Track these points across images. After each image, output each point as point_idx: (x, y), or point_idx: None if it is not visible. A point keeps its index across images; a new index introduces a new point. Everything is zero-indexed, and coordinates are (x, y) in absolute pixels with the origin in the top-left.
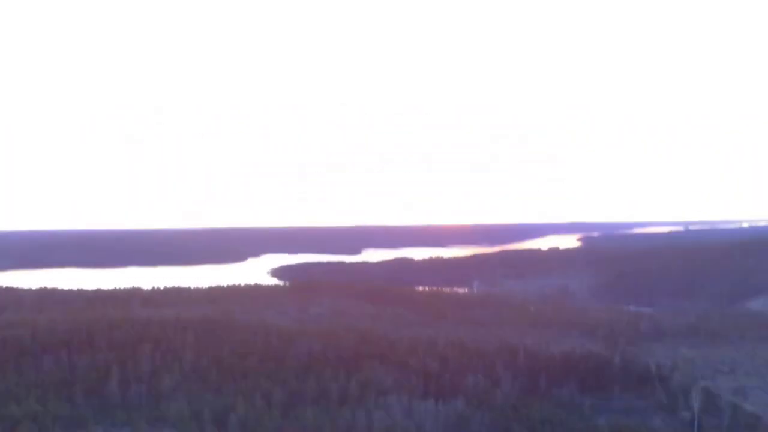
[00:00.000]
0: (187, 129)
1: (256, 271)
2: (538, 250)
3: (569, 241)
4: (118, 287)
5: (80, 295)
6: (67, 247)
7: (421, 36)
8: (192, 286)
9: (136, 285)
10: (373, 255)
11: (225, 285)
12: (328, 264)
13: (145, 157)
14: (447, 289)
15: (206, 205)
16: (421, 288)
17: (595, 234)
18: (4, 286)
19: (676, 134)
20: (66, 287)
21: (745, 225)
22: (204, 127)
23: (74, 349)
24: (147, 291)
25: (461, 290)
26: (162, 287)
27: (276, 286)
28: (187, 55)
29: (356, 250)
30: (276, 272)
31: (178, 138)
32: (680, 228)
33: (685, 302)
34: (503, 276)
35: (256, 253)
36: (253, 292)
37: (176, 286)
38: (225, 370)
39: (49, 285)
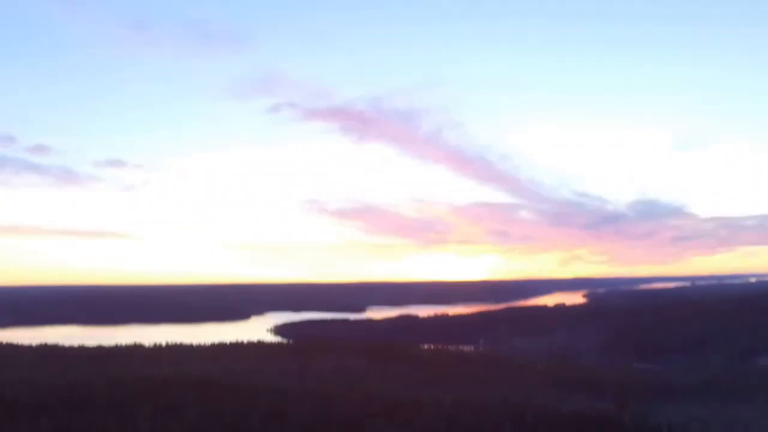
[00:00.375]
0: (189, 185)
1: (259, 329)
2: (544, 307)
3: (575, 298)
4: (119, 344)
5: (81, 352)
6: (69, 303)
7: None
8: (194, 343)
9: (138, 342)
10: (377, 312)
11: (227, 342)
12: (332, 321)
13: (145, 208)
14: (452, 347)
15: (209, 261)
16: (426, 346)
17: (601, 290)
18: (4, 342)
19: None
20: (67, 344)
21: (753, 280)
22: (207, 184)
23: (73, 407)
24: (148, 348)
25: (467, 348)
26: (164, 344)
27: (279, 344)
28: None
29: (360, 308)
30: (279, 330)
31: (180, 191)
32: (687, 283)
33: (695, 359)
34: (509, 334)
35: (260, 311)
36: (256, 349)
37: (178, 343)
38: (226, 430)
39: (50, 341)
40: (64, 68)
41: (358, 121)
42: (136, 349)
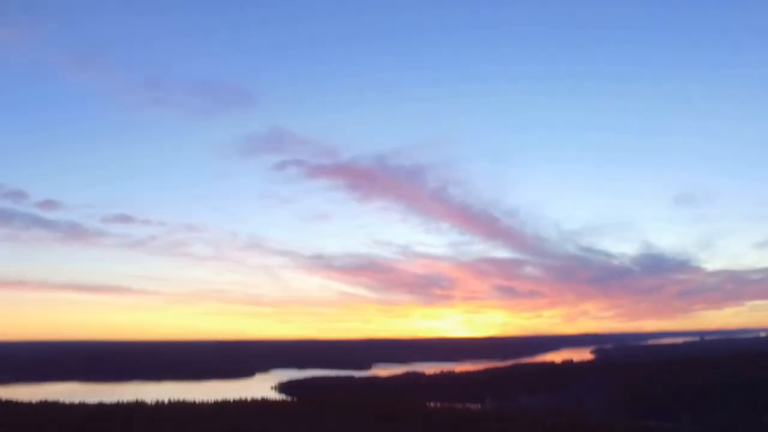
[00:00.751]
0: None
1: (264, 386)
2: (552, 364)
3: (583, 354)
4: (121, 401)
5: (81, 409)
6: (71, 359)
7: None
8: (197, 401)
9: (140, 399)
10: (383, 369)
11: (231, 400)
12: (337, 379)
13: (151, 263)
14: (459, 405)
15: (214, 317)
16: (432, 404)
17: (609, 346)
18: (3, 399)
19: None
20: (67, 401)
21: (763, 335)
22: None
23: None
24: (151, 405)
25: (473, 406)
26: (166, 401)
27: (283, 402)
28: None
29: (366, 365)
30: (283, 387)
31: (186, 247)
32: (695, 338)
33: (706, 415)
34: (517, 391)
35: (264, 368)
36: (259, 407)
37: (181, 400)
38: None
39: (51, 398)
40: (74, 125)
41: (363, 178)
42: (137, 407)
